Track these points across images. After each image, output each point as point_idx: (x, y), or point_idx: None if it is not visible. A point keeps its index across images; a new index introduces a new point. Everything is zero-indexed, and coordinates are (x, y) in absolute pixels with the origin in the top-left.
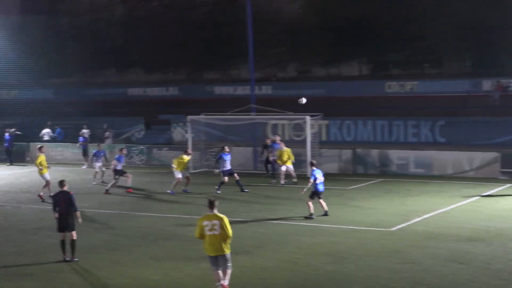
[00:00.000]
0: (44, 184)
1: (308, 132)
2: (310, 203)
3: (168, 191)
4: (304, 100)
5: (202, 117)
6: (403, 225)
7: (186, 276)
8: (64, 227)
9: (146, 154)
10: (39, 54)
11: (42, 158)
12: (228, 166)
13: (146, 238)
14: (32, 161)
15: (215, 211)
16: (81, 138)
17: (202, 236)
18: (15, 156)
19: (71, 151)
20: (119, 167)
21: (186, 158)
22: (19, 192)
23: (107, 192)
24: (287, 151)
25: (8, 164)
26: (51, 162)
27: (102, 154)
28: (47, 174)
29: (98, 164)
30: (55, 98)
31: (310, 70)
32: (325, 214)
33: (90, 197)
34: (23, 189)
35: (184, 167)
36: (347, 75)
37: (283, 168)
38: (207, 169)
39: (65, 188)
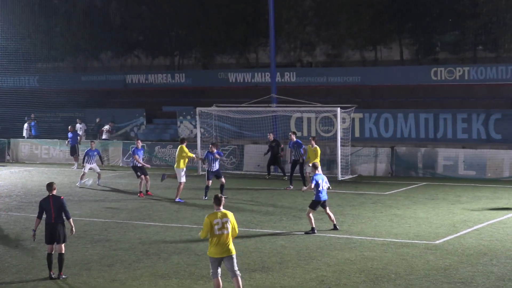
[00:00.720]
0: None
1: (339, 127)
2: (311, 215)
3: (176, 200)
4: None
5: (213, 109)
6: (450, 238)
7: None
8: (53, 238)
9: (147, 153)
10: (23, 34)
11: None
12: (216, 167)
13: (147, 252)
14: (13, 160)
15: (222, 208)
16: (70, 134)
17: (207, 236)
18: None
19: (59, 148)
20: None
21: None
22: None
23: (147, 193)
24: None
25: None
26: (35, 161)
27: (95, 153)
28: None
29: (88, 166)
30: (41, 86)
31: (342, 54)
32: (334, 227)
33: (81, 204)
34: (2, 193)
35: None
36: (386, 59)
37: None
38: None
39: (55, 192)
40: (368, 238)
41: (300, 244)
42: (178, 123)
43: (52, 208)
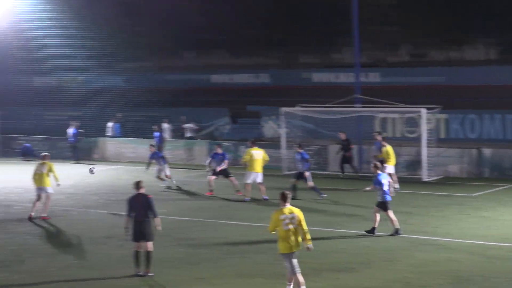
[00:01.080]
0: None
1: (424, 128)
2: (378, 215)
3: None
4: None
5: (297, 109)
6: None
7: None
8: (140, 236)
9: (232, 152)
10: (109, 35)
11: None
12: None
13: (232, 251)
14: (100, 158)
15: (289, 204)
16: (156, 134)
17: (275, 230)
18: (81, 153)
19: (145, 147)
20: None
21: (254, 151)
22: (85, 195)
23: (237, 192)
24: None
25: (74, 162)
26: (122, 160)
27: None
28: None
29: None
30: (126, 85)
31: (427, 54)
32: (396, 232)
33: (167, 202)
34: (91, 191)
35: (259, 166)
36: (471, 59)
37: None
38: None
39: (142, 191)
40: (454, 240)
41: (384, 245)
42: (262, 123)
43: (140, 206)
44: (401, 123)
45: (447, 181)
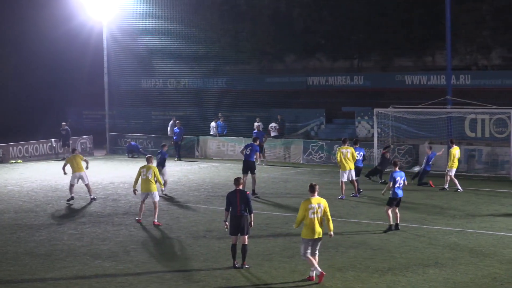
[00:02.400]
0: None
1: None
2: (389, 212)
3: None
4: None
5: (390, 110)
6: None
7: None
8: (237, 230)
9: (326, 151)
10: (213, 39)
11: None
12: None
13: (325, 245)
14: (202, 156)
15: (316, 195)
16: (260, 133)
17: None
18: (184, 151)
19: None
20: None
21: (343, 150)
22: (187, 191)
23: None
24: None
25: (176, 159)
26: (222, 158)
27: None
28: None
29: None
30: (228, 87)
31: None
32: (391, 228)
33: (262, 198)
34: (192, 187)
35: (349, 163)
36: None
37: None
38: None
39: (241, 187)
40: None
41: (473, 241)
42: (356, 123)
43: (238, 202)
44: (490, 123)
45: None
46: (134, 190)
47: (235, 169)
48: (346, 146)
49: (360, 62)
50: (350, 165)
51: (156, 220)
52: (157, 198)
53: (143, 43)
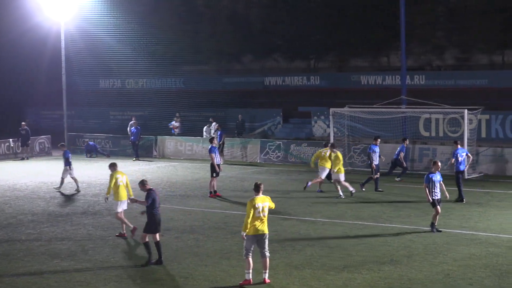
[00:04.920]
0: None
1: (466, 128)
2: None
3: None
4: None
5: (346, 110)
6: None
7: (326, 286)
8: (158, 228)
9: (283, 150)
10: (171, 39)
11: None
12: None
13: (282, 244)
14: (160, 156)
15: (261, 194)
16: (218, 132)
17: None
18: (142, 151)
19: (202, 145)
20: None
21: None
22: None
23: (215, 193)
24: None
25: (134, 159)
26: (180, 157)
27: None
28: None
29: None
30: (186, 87)
31: (471, 58)
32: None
33: (222, 197)
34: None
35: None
36: None
37: None
38: (349, 168)
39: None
40: (494, 234)
41: (427, 239)
42: (313, 122)
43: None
44: (444, 123)
45: (487, 179)
46: (107, 198)
47: (193, 168)
48: (327, 148)
49: (316, 62)
50: (328, 165)
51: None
52: (125, 207)
53: (102, 43)
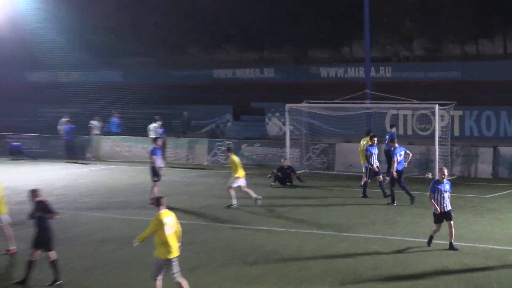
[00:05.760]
0: None
1: (437, 125)
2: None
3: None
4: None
5: (304, 106)
6: None
7: None
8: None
9: (233, 151)
10: (109, 28)
11: None
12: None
13: (233, 255)
14: (94, 158)
15: (164, 208)
16: (161, 131)
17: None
18: (74, 153)
19: (142, 146)
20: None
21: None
22: (78, 196)
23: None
24: None
25: (68, 161)
26: (117, 159)
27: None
28: None
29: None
30: (126, 81)
31: (442, 48)
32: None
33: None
34: (83, 192)
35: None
36: (488, 53)
37: None
38: (308, 170)
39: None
40: (468, 244)
41: (395, 249)
42: (267, 120)
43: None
44: (413, 120)
45: (461, 182)
46: None
47: (132, 171)
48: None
49: (271, 53)
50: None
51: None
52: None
53: (29, 31)
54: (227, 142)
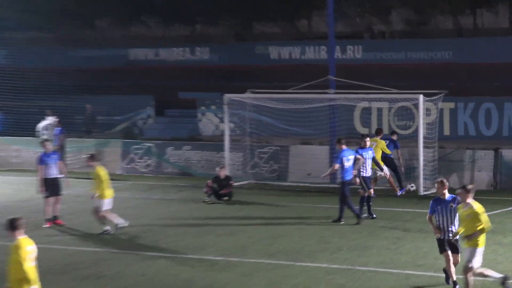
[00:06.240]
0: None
1: (421, 122)
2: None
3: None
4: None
5: (247, 96)
6: None
7: None
8: None
9: (155, 156)
10: None
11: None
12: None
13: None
14: None
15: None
16: (57, 130)
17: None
18: None
19: (35, 150)
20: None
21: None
22: None
23: (55, 220)
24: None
25: None
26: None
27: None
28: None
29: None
30: (10, 64)
31: (429, 21)
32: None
33: (65, 227)
34: None
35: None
36: (489, 28)
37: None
38: (253, 181)
39: None
40: (462, 276)
41: (366, 283)
42: (199, 115)
43: None
44: (390, 114)
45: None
46: None
47: (21, 184)
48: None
49: (205, 27)
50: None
51: None
52: None
53: None
54: (148, 144)
